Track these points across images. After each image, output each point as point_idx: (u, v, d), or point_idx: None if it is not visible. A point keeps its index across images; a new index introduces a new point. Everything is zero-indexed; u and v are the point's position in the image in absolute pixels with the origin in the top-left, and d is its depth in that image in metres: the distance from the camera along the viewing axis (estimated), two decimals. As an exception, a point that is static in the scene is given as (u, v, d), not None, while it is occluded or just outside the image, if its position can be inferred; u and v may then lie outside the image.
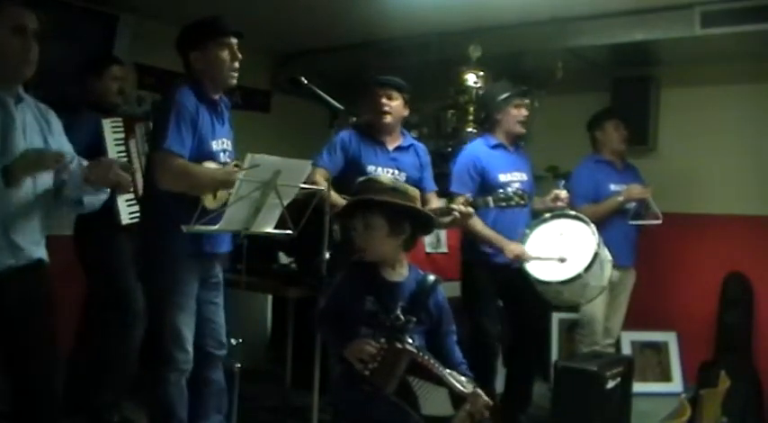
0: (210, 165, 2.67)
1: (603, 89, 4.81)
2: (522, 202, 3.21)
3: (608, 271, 3.48)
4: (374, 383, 2.05)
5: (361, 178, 2.33)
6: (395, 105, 3.43)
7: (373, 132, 3.48)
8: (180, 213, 2.46)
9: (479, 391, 2.14)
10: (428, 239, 4.28)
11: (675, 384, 4.48)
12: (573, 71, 4.40)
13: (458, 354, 2.28)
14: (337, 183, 3.16)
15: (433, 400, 2.08)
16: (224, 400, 2.87)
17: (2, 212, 2.23)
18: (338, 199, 3.07)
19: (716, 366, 4.04)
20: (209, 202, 2.55)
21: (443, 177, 3.75)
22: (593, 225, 3.48)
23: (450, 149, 4.40)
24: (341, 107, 2.95)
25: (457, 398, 2.10)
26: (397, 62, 4.68)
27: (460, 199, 3.33)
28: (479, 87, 4.40)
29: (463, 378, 2.16)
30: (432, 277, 2.27)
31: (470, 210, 3.19)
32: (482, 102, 4.00)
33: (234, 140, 2.88)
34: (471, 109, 4.45)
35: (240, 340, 2.95)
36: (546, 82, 4.34)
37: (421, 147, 3.63)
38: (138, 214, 3.32)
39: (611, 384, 3.32)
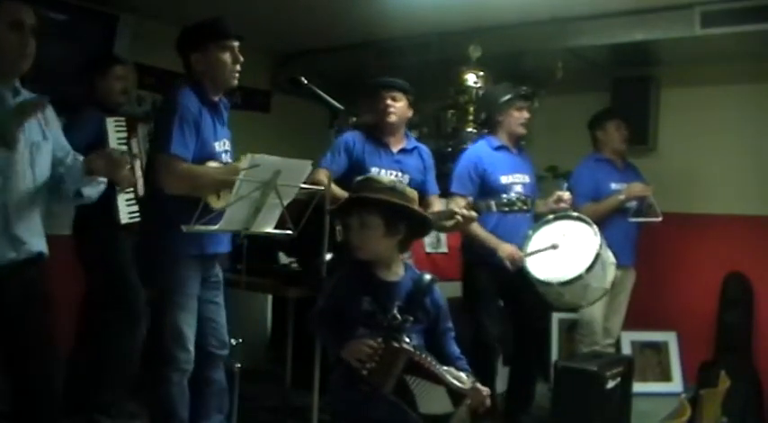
0: (213, 165, 2.68)
1: (603, 89, 4.81)
2: (525, 207, 3.22)
3: (611, 273, 3.47)
4: (372, 383, 2.05)
5: (360, 177, 2.33)
6: (399, 106, 3.46)
7: (377, 134, 3.50)
8: (181, 213, 2.45)
9: (479, 385, 2.14)
10: (428, 240, 4.28)
11: (675, 384, 4.48)
12: (573, 71, 4.40)
13: (456, 350, 2.29)
14: (341, 185, 3.18)
15: (431, 399, 2.08)
16: (225, 399, 2.87)
17: (3, 205, 2.23)
18: (341, 193, 3.08)
19: (716, 366, 4.05)
20: (213, 202, 2.55)
21: (443, 177, 3.75)
22: (595, 226, 3.48)
23: (449, 149, 4.40)
24: (341, 107, 2.95)
25: (456, 395, 2.11)
26: (397, 62, 4.69)
27: (462, 202, 3.32)
28: (479, 87, 4.41)
29: (462, 374, 2.16)
30: (428, 276, 2.28)
31: (473, 214, 3.19)
32: (483, 103, 4.00)
33: (232, 140, 2.88)
34: (471, 109, 4.45)
35: (240, 340, 2.95)
36: (546, 82, 4.34)
37: (425, 149, 3.65)
38: (137, 214, 3.32)
39: (611, 384, 3.32)
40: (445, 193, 3.67)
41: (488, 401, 2.15)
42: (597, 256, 3.36)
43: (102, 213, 3.30)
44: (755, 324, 4.39)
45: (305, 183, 2.70)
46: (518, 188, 3.62)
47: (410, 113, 3.54)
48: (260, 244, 3.03)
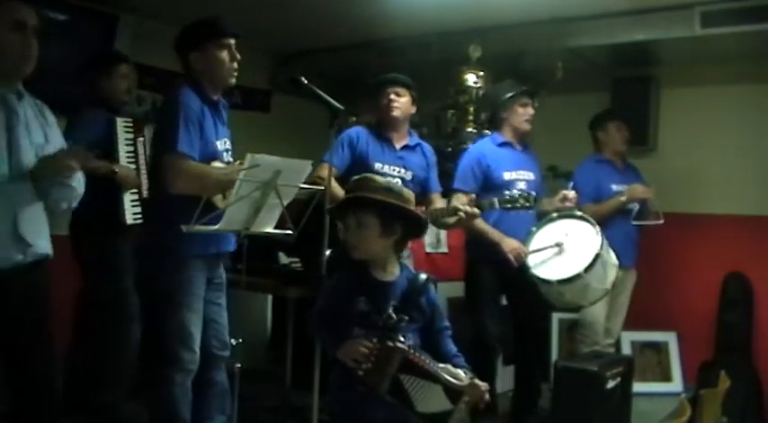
0: (217, 164, 2.68)
1: (603, 89, 4.82)
2: (528, 204, 3.17)
3: (612, 274, 3.46)
4: (368, 383, 2.06)
5: (356, 176, 2.33)
6: (403, 101, 3.46)
7: (381, 130, 3.50)
8: (186, 214, 2.44)
9: (476, 380, 2.14)
10: (428, 240, 4.28)
11: (675, 384, 4.48)
12: (573, 71, 4.40)
13: (453, 348, 2.29)
14: (344, 180, 3.15)
15: (428, 397, 2.08)
16: (227, 401, 2.86)
17: (10, 208, 2.23)
18: (340, 192, 3.07)
19: (716, 366, 4.04)
20: (219, 201, 2.55)
21: (443, 176, 3.75)
22: (598, 226, 3.48)
23: (449, 149, 4.40)
24: (341, 107, 2.95)
25: (453, 392, 2.11)
26: (397, 62, 4.67)
27: (464, 198, 3.31)
28: (479, 87, 4.41)
29: (459, 371, 2.15)
30: (423, 275, 2.28)
31: (476, 210, 3.18)
32: (487, 101, 4.02)
33: (232, 140, 2.88)
34: (471, 109, 4.45)
35: (240, 340, 2.95)
36: (546, 82, 4.34)
37: (428, 147, 3.65)
38: (140, 216, 3.33)
39: (611, 384, 3.32)
40: (445, 193, 3.67)
41: (487, 396, 2.15)
42: (597, 255, 3.36)
43: (103, 216, 3.30)
44: (755, 324, 4.39)
45: (306, 180, 2.70)
46: (521, 185, 3.61)
47: (413, 109, 3.54)
48: (260, 244, 3.03)
